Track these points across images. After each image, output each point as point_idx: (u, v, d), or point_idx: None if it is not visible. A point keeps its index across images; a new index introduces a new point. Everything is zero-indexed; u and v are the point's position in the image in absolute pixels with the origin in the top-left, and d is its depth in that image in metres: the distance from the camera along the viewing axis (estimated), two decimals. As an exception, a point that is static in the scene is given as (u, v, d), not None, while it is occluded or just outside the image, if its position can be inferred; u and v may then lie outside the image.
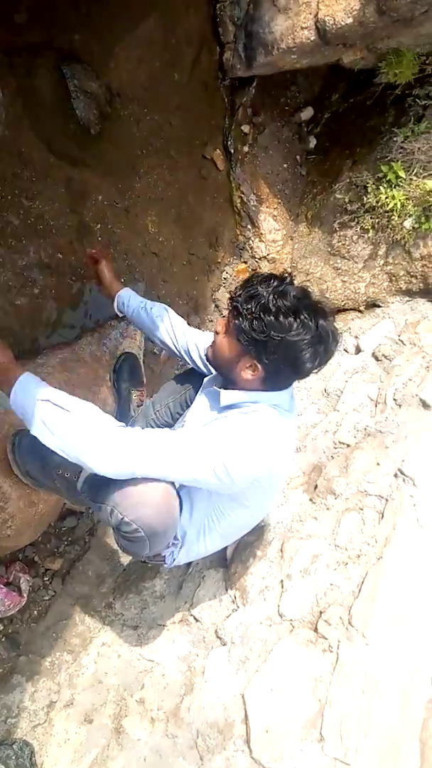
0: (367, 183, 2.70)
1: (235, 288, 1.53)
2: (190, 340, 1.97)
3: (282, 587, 1.92)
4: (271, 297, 1.42)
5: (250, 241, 3.20)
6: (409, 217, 2.63)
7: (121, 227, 2.45)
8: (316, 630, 1.76)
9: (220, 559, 2.14)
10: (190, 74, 2.71)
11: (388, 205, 2.61)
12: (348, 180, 2.83)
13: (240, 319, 1.46)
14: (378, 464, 2.09)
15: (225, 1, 2.68)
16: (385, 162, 2.66)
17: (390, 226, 2.68)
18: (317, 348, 1.45)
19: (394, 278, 2.83)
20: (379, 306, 2.94)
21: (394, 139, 2.65)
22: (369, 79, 2.62)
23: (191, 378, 2.05)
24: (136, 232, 2.56)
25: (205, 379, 1.85)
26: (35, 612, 2.24)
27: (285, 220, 3.18)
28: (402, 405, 2.29)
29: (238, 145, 3.04)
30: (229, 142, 3.02)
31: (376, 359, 2.63)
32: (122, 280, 2.45)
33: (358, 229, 2.82)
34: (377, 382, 2.49)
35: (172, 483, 1.48)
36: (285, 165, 3.15)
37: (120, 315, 2.10)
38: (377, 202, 2.65)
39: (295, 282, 1.51)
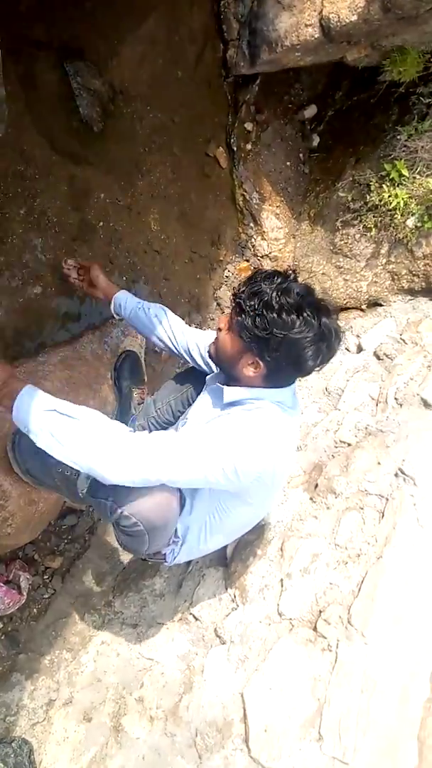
0: (370, 181, 2.69)
1: (239, 284, 1.52)
2: (191, 339, 1.96)
3: (282, 586, 1.92)
4: (274, 294, 1.41)
5: (253, 239, 3.19)
6: (412, 215, 2.62)
7: (123, 225, 2.45)
8: (315, 629, 1.76)
9: (219, 558, 2.14)
10: (193, 72, 2.71)
11: (391, 203, 2.60)
12: (351, 178, 2.82)
13: (243, 316, 1.45)
14: (379, 463, 2.09)
15: (229, -2, 2.67)
16: (389, 160, 2.65)
17: (393, 224, 2.67)
18: (320, 346, 1.45)
19: (396, 277, 2.82)
20: (381, 305, 2.93)
21: (398, 137, 2.64)
22: (373, 76, 2.61)
23: (193, 376, 2.05)
24: (139, 230, 2.56)
25: (208, 377, 1.85)
26: (35, 610, 2.24)
27: (287, 218, 3.17)
28: (403, 404, 2.28)
29: (241, 143, 3.03)
30: (232, 140, 3.01)
31: (378, 358, 2.62)
32: (124, 278, 2.46)
33: (360, 227, 2.81)
34: (378, 381, 2.49)
35: None
36: (288, 163, 3.14)
37: (117, 318, 2.09)
38: (380, 200, 2.64)
39: (299, 279, 1.51)
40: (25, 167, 2.04)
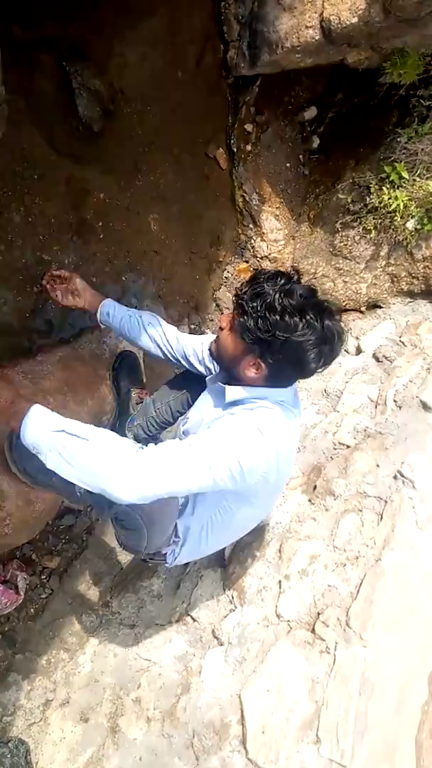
0: (370, 183, 2.69)
1: (241, 284, 1.51)
2: (187, 344, 1.94)
3: (280, 588, 1.92)
4: (277, 296, 1.40)
5: (252, 241, 3.19)
6: (412, 218, 2.62)
7: (122, 225, 2.44)
8: (313, 631, 1.76)
9: (218, 559, 2.14)
10: (193, 72, 2.70)
11: (390, 205, 2.61)
12: (351, 180, 2.82)
13: (245, 317, 1.44)
14: (377, 466, 2.09)
15: (230, -1, 2.67)
16: (389, 162, 2.66)
17: (392, 227, 2.68)
18: (322, 348, 1.44)
19: (395, 279, 2.83)
20: (380, 307, 2.94)
21: (398, 139, 2.65)
22: (373, 79, 2.60)
23: (192, 376, 2.03)
24: (138, 231, 2.56)
25: (208, 378, 1.84)
26: (32, 610, 2.24)
27: (287, 220, 3.17)
28: (402, 406, 2.28)
29: (241, 144, 3.03)
30: (232, 141, 3.01)
31: (377, 360, 2.62)
32: (123, 278, 2.45)
33: (360, 229, 2.81)
34: (378, 383, 2.49)
35: None
36: (288, 164, 3.14)
37: (103, 327, 2.01)
38: (380, 202, 2.64)
39: (302, 280, 1.50)
40: (24, 167, 2.04)
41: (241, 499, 1.64)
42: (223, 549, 2.10)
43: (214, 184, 3.01)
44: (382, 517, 1.93)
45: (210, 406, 1.73)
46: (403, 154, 2.62)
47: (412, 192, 2.58)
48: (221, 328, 1.58)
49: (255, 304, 1.41)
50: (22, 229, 2.04)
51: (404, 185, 2.61)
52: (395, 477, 2.01)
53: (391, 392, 2.35)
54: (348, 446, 2.27)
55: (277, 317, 1.39)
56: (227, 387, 1.59)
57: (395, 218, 2.63)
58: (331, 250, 2.96)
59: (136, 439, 2.19)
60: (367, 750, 1.52)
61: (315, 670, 1.67)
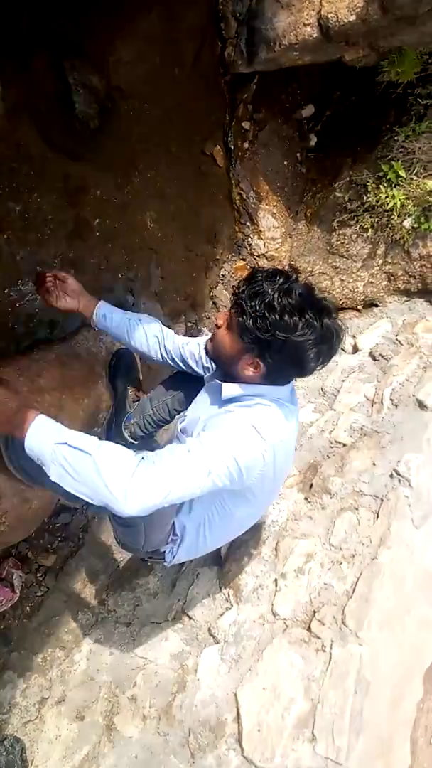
0: (367, 182, 2.69)
1: (239, 283, 1.49)
2: (184, 347, 1.92)
3: (276, 586, 1.92)
4: (276, 295, 1.39)
5: (249, 239, 3.18)
6: (409, 216, 2.62)
7: (119, 223, 2.44)
8: (309, 629, 1.76)
9: (214, 558, 2.14)
10: (190, 69, 2.69)
11: (387, 204, 2.61)
12: (348, 178, 2.82)
13: (244, 317, 1.42)
14: (374, 464, 2.09)
15: (227, -4, 2.66)
16: (386, 161, 2.66)
17: (389, 225, 2.68)
18: (321, 348, 1.43)
19: (392, 278, 2.83)
20: (377, 305, 2.94)
21: (395, 138, 2.65)
22: (371, 77, 2.60)
23: (190, 374, 2.03)
24: (134, 228, 2.55)
25: (206, 375, 1.83)
26: (28, 608, 2.23)
27: (284, 218, 3.17)
28: (399, 405, 2.29)
29: (238, 142, 3.02)
30: (229, 139, 3.00)
31: (374, 359, 2.63)
32: (120, 275, 2.45)
33: (357, 228, 2.81)
34: (374, 381, 2.49)
35: None
36: (285, 162, 3.13)
37: (97, 329, 1.96)
38: (377, 201, 2.64)
39: (300, 279, 1.49)
40: (20, 163, 2.02)
41: (239, 497, 1.63)
42: (219, 547, 2.09)
43: (211, 182, 3.00)
44: (378, 516, 1.93)
45: (207, 403, 1.72)
46: (401, 152, 2.63)
47: (409, 190, 2.58)
48: (218, 326, 1.57)
49: (254, 304, 1.40)
50: (17, 226, 2.03)
51: (401, 184, 2.61)
52: (391, 475, 2.02)
53: (388, 391, 2.36)
54: (344, 444, 2.28)
55: (277, 317, 1.37)
56: (224, 384, 1.58)
57: (392, 217, 2.63)
58: (328, 248, 2.96)
59: (133, 437, 2.19)
60: (362, 748, 1.53)
61: (311, 669, 1.67)
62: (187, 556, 1.81)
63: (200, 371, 1.92)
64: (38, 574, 2.32)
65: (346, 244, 2.87)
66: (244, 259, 3.23)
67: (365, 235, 2.79)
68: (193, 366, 1.93)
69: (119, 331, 1.92)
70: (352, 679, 1.61)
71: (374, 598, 1.74)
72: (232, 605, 1.97)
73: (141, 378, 2.38)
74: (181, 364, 1.95)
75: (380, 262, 2.82)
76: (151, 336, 1.92)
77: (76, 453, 1.31)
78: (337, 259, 2.93)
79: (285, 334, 1.38)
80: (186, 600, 2.07)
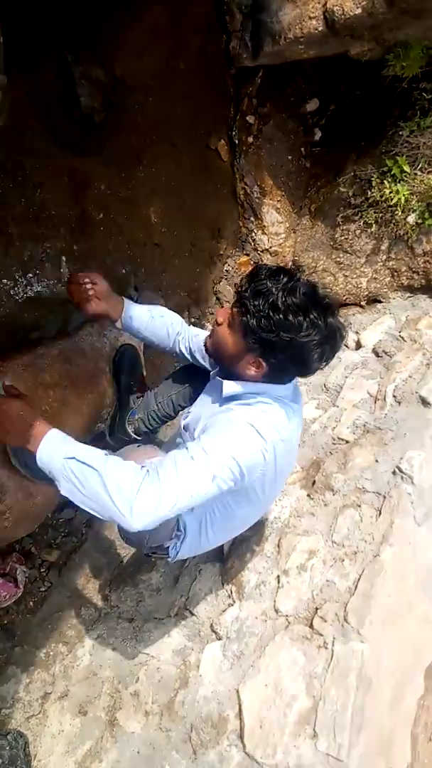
0: (372, 177, 2.68)
1: (242, 280, 1.47)
2: (193, 341, 1.92)
3: (278, 583, 1.93)
4: (280, 294, 1.37)
5: (253, 234, 3.17)
6: (413, 212, 2.61)
7: (123, 217, 2.43)
8: (311, 626, 1.76)
9: (216, 554, 2.14)
10: (195, 63, 2.68)
11: (392, 199, 2.59)
12: (352, 173, 2.80)
13: (247, 316, 1.40)
14: (376, 461, 2.09)
15: (232, -12, 2.64)
16: (390, 156, 2.64)
17: (393, 221, 2.66)
18: (325, 347, 1.42)
19: (396, 274, 2.82)
20: (380, 301, 2.93)
21: (400, 133, 2.63)
22: (376, 71, 2.58)
23: (195, 370, 2.00)
24: (139, 223, 2.54)
25: (212, 372, 1.82)
26: (31, 603, 2.24)
27: (288, 213, 3.16)
28: (402, 402, 2.28)
29: (242, 136, 3.00)
30: (233, 133, 2.98)
31: (377, 355, 2.62)
32: (124, 270, 2.44)
33: (361, 223, 2.79)
34: (377, 378, 2.49)
35: None
36: (289, 157, 3.12)
37: (119, 330, 1.94)
38: (381, 196, 2.63)
39: (303, 276, 1.47)
40: (25, 157, 2.02)
41: (241, 495, 1.62)
42: (222, 544, 2.10)
43: (215, 176, 2.99)
44: (380, 513, 1.94)
45: (209, 401, 1.70)
46: (405, 147, 2.61)
47: (414, 186, 2.57)
48: (218, 324, 1.55)
49: (257, 303, 1.38)
50: (22, 220, 2.03)
51: (406, 179, 2.59)
52: (394, 473, 2.02)
53: (391, 387, 2.35)
54: (347, 441, 2.28)
55: (281, 317, 1.36)
56: (225, 382, 1.56)
57: (396, 212, 2.62)
58: (331, 243, 2.95)
59: (137, 432, 2.19)
60: (363, 744, 1.53)
61: (312, 665, 1.68)
62: (190, 552, 1.81)
63: (206, 364, 1.91)
64: (42, 570, 2.32)
65: (350, 239, 2.85)
66: (247, 255, 3.22)
67: (369, 230, 2.78)
68: (199, 359, 1.93)
69: (145, 330, 1.90)
70: (354, 676, 1.62)
71: (376, 595, 1.74)
72: (234, 602, 1.97)
73: (144, 373, 2.37)
74: (196, 355, 1.95)
75: (384, 257, 2.81)
76: (173, 333, 1.92)
77: (84, 468, 1.31)
78: (341, 255, 2.91)
79: (289, 334, 1.37)
80: (188, 596, 2.07)
